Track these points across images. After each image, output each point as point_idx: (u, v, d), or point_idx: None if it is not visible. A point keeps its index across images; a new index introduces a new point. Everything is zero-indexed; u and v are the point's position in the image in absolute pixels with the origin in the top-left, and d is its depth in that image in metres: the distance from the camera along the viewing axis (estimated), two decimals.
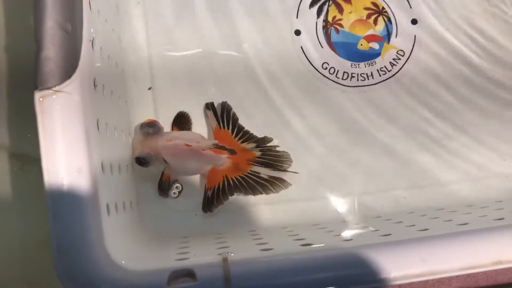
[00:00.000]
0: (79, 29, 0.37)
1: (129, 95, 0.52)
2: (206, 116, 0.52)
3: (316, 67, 0.55)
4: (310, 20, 0.57)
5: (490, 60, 0.57)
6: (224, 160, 0.49)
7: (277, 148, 0.51)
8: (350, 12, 0.57)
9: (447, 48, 0.57)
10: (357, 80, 0.55)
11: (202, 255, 0.39)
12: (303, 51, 0.56)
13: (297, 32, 0.56)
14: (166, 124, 0.51)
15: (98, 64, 0.41)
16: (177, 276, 0.33)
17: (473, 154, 0.55)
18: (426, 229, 0.40)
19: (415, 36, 0.57)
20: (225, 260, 0.34)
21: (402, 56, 0.57)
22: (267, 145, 0.51)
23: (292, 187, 0.50)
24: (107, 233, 0.34)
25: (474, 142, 0.55)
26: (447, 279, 0.48)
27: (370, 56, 0.56)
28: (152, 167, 0.47)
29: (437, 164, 0.54)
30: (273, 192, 0.50)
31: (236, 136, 0.51)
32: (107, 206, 0.36)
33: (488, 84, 0.57)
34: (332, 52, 0.56)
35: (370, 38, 0.57)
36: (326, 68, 0.56)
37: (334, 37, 0.56)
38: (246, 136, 0.51)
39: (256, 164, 0.49)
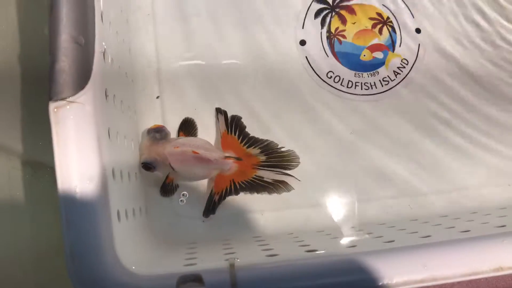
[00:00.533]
0: (91, 42, 0.38)
1: (138, 104, 0.53)
2: (217, 119, 0.53)
3: (321, 76, 0.56)
4: (315, 31, 0.58)
5: (494, 67, 0.58)
6: (231, 165, 0.50)
7: (282, 149, 0.52)
8: (353, 23, 0.58)
9: (451, 57, 0.58)
10: (361, 89, 0.56)
11: (209, 261, 0.40)
12: (308, 61, 0.57)
13: (302, 42, 0.57)
14: (173, 131, 0.52)
15: (109, 75, 0.42)
16: (185, 280, 0.34)
17: (477, 161, 0.55)
18: (428, 236, 0.41)
19: (419, 45, 0.58)
20: (231, 265, 0.35)
21: (406, 64, 0.58)
22: (272, 149, 0.52)
23: (297, 194, 0.51)
24: (118, 239, 0.35)
25: (479, 150, 0.56)
26: (449, 285, 0.48)
27: (373, 66, 0.57)
28: (157, 172, 0.48)
29: (441, 172, 0.55)
30: (277, 193, 0.51)
31: (242, 141, 0.52)
32: (118, 212, 0.37)
33: (494, 91, 0.58)
34: (337, 62, 0.57)
35: (374, 48, 0.58)
36: (331, 77, 0.57)
37: (337, 47, 0.58)
38: (251, 141, 0.52)
39: (261, 168, 0.51)
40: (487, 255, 0.36)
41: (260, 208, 0.52)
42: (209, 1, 0.57)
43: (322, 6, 0.59)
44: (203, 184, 0.52)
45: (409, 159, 0.55)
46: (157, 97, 0.54)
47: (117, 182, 0.39)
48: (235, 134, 0.52)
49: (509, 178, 0.55)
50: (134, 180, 0.46)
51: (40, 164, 0.50)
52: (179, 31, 0.56)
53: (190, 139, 0.51)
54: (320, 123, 0.55)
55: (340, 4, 0.59)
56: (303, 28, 0.58)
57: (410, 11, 0.59)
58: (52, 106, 0.35)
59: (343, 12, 0.59)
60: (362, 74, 0.57)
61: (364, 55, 0.58)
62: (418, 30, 0.59)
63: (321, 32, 0.58)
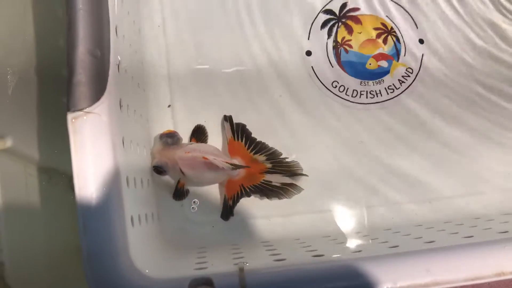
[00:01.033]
0: (107, 55, 0.40)
1: (150, 112, 0.55)
2: (223, 127, 0.55)
3: (326, 86, 0.58)
4: (321, 41, 0.59)
5: (498, 76, 0.59)
6: (239, 171, 0.51)
7: (286, 160, 0.53)
8: (359, 33, 0.60)
9: (454, 66, 0.59)
10: (366, 97, 0.58)
11: (219, 265, 0.41)
12: (314, 71, 0.58)
13: (308, 53, 0.59)
14: (184, 138, 0.53)
15: (123, 86, 0.43)
16: (197, 284, 0.35)
17: (482, 168, 0.56)
18: (432, 241, 0.42)
19: (422, 54, 0.60)
20: (241, 269, 0.36)
21: (411, 73, 0.59)
22: (277, 158, 0.53)
23: (304, 200, 0.53)
24: (132, 243, 0.37)
25: (484, 157, 0.57)
26: None
27: (378, 74, 0.59)
28: (168, 176, 0.50)
29: (446, 179, 0.55)
30: (287, 198, 0.52)
31: (248, 148, 0.53)
32: (131, 218, 0.39)
33: (498, 99, 0.59)
34: (342, 71, 0.59)
35: (379, 57, 0.59)
36: (336, 86, 0.58)
37: (344, 56, 0.59)
38: (258, 148, 0.53)
39: (268, 173, 0.52)
40: (489, 260, 0.37)
41: (268, 214, 0.53)
42: (217, 12, 0.59)
43: (328, 17, 0.60)
44: (213, 191, 0.53)
45: (414, 165, 0.56)
46: (169, 106, 0.56)
47: (130, 189, 0.40)
48: (241, 141, 0.53)
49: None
50: (146, 187, 0.47)
51: (55, 171, 0.52)
52: (189, 41, 0.58)
53: (200, 145, 0.52)
54: (326, 132, 0.56)
55: (347, 15, 0.60)
56: (309, 38, 0.59)
57: (414, 21, 0.60)
58: (70, 116, 0.36)
59: (349, 22, 0.60)
60: (367, 82, 0.58)
61: (370, 64, 0.59)
62: (421, 41, 0.60)
63: (327, 42, 0.59)
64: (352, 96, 0.58)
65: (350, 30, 0.60)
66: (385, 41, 0.60)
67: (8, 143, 0.51)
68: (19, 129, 0.52)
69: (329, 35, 0.59)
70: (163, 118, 0.55)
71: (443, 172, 0.56)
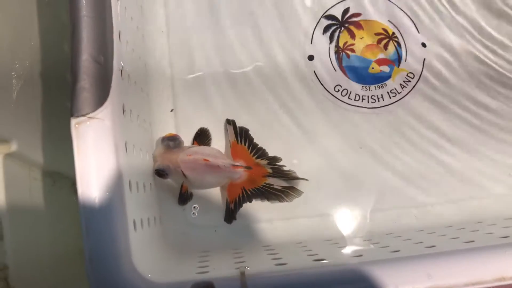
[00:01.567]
0: (110, 60, 0.40)
1: (153, 117, 0.55)
2: (226, 130, 0.55)
3: (329, 90, 0.58)
4: (323, 46, 0.60)
5: (500, 80, 0.59)
6: (241, 174, 0.51)
7: (284, 168, 0.53)
8: (361, 38, 0.60)
9: (456, 70, 0.59)
10: (368, 102, 0.58)
11: (220, 269, 0.41)
12: (316, 75, 0.59)
13: (310, 58, 0.59)
14: (186, 143, 0.54)
15: (126, 91, 0.44)
16: None
17: (485, 171, 0.56)
18: (433, 246, 0.42)
19: (424, 59, 0.60)
20: (242, 273, 0.37)
21: (412, 78, 0.59)
22: (277, 164, 0.53)
23: (305, 204, 0.53)
24: (134, 247, 0.37)
25: (487, 161, 0.57)
26: None
27: (380, 78, 0.59)
28: (170, 180, 0.50)
29: (447, 183, 0.56)
30: (287, 201, 0.52)
31: (251, 152, 0.54)
32: (134, 222, 0.39)
33: (501, 103, 0.59)
34: (344, 76, 0.59)
35: (381, 62, 0.59)
36: (338, 90, 0.58)
37: (346, 61, 0.59)
38: (260, 153, 0.54)
39: (269, 177, 0.52)
40: (490, 265, 0.37)
41: (270, 217, 0.53)
42: (220, 17, 0.59)
43: (331, 22, 0.60)
44: (214, 195, 0.54)
45: (415, 170, 0.56)
46: (171, 110, 0.56)
47: (133, 193, 0.40)
48: (244, 144, 0.54)
49: None
50: (149, 191, 0.48)
51: (59, 175, 0.52)
52: (192, 46, 0.58)
53: (202, 148, 0.52)
54: (327, 136, 0.56)
55: (349, 20, 0.60)
56: (311, 43, 0.59)
57: (416, 26, 0.61)
58: (73, 122, 0.37)
59: (351, 27, 0.60)
60: (369, 87, 0.58)
61: (373, 68, 0.59)
62: (424, 45, 0.60)
63: (329, 47, 0.60)
64: (354, 100, 0.58)
65: (352, 35, 0.60)
66: (386, 46, 0.60)
67: (13, 147, 0.52)
68: (23, 133, 0.52)
69: (331, 40, 0.60)
70: (166, 122, 0.55)
71: (445, 176, 0.56)
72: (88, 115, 0.37)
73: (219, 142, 0.55)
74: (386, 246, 0.45)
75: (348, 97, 0.58)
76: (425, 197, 0.55)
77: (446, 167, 0.56)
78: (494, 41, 0.61)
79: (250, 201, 0.52)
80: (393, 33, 0.60)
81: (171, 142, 0.50)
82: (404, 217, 0.54)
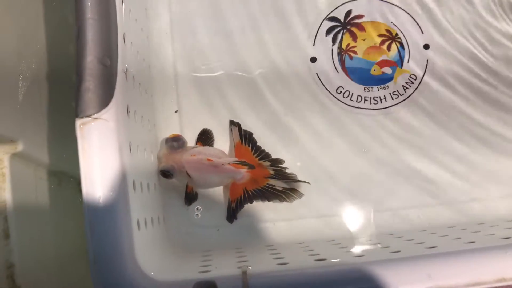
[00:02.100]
0: (114, 62, 0.41)
1: (157, 118, 0.56)
2: (231, 131, 0.56)
3: (331, 91, 0.58)
4: (326, 47, 0.60)
5: (503, 81, 0.59)
6: (243, 174, 0.52)
7: (286, 170, 0.54)
8: (364, 40, 0.60)
9: (459, 71, 0.59)
10: (370, 103, 0.58)
11: (223, 268, 0.42)
12: (319, 77, 0.59)
13: (313, 59, 0.59)
14: (190, 142, 0.55)
15: (130, 92, 0.44)
16: (201, 287, 0.36)
17: (487, 172, 0.56)
18: (434, 247, 0.42)
19: (427, 60, 0.60)
20: (244, 273, 0.37)
21: (415, 79, 0.59)
22: (279, 166, 0.54)
23: (307, 205, 0.53)
24: (138, 246, 0.37)
25: (490, 162, 0.57)
26: None
27: (383, 80, 0.59)
28: (175, 180, 0.51)
29: (451, 184, 0.56)
30: (288, 202, 0.53)
31: (254, 153, 0.54)
32: (138, 221, 0.40)
33: (501, 106, 0.59)
34: (347, 77, 0.59)
35: (383, 63, 0.60)
36: (341, 92, 0.58)
37: (348, 63, 0.59)
38: (263, 155, 0.54)
39: (271, 178, 0.53)
40: (490, 266, 0.38)
41: (272, 218, 0.54)
42: (224, 19, 0.60)
43: (333, 24, 0.61)
44: (217, 195, 0.54)
45: (418, 170, 0.56)
46: (176, 111, 0.57)
47: (137, 193, 0.41)
48: (248, 146, 0.54)
49: None
50: (152, 191, 0.48)
51: (65, 175, 0.53)
52: (195, 48, 0.59)
53: (206, 148, 0.53)
54: (331, 137, 0.57)
55: (351, 22, 0.61)
56: (314, 45, 0.60)
57: (420, 27, 0.61)
58: (78, 122, 0.37)
59: (354, 29, 0.61)
60: (371, 88, 0.59)
61: (375, 70, 0.59)
62: (426, 46, 0.60)
63: (332, 49, 0.60)
64: (356, 102, 0.58)
65: (354, 37, 0.60)
66: (389, 48, 0.60)
67: (19, 147, 0.52)
68: (30, 133, 0.53)
69: (333, 41, 0.60)
70: (170, 123, 0.56)
71: (447, 177, 0.56)
72: (92, 116, 0.37)
73: (222, 143, 0.56)
74: (387, 247, 0.45)
75: (350, 99, 0.58)
76: (427, 198, 0.55)
77: (448, 169, 0.56)
78: (496, 43, 0.61)
79: (251, 202, 0.52)
80: (396, 34, 0.60)
81: (175, 142, 0.50)
82: (406, 218, 0.54)
